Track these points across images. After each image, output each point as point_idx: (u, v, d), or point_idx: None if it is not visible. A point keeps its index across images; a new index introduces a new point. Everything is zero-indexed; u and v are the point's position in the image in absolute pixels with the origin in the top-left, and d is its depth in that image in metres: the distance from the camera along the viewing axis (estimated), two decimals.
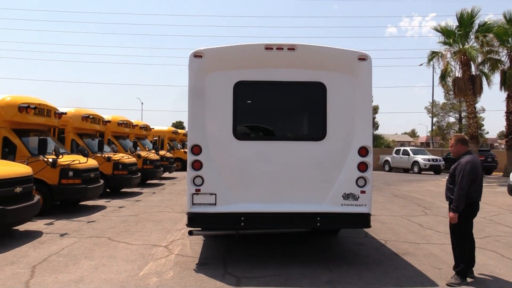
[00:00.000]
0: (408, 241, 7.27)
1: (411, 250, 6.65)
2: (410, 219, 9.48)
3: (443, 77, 22.98)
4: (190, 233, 5.68)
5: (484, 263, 5.92)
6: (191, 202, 5.60)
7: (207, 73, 5.71)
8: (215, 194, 5.62)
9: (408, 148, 29.02)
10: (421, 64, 55.83)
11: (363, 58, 5.74)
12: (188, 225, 5.60)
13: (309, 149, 5.73)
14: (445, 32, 23.19)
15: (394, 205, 11.88)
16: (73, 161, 9.23)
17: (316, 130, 5.86)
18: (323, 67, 5.77)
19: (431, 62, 23.63)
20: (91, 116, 12.58)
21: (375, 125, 43.99)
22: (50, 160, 8.96)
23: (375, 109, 43.62)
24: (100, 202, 11.42)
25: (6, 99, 9.09)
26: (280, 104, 6.00)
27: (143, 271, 5.36)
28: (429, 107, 36.16)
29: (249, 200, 5.65)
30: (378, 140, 42.03)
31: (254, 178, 5.68)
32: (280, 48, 5.68)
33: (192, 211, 5.60)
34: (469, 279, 5.12)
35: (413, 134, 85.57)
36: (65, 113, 11.16)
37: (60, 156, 9.05)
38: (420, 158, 26.33)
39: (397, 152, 28.47)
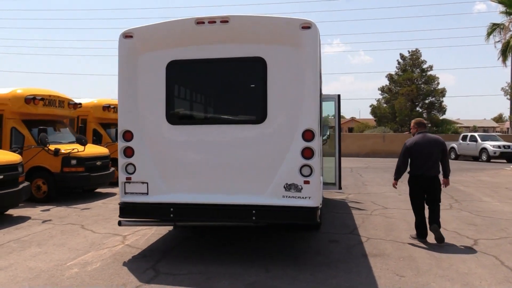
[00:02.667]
0: (396, 240, 6.22)
1: (390, 251, 5.65)
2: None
3: (504, 52, 19.81)
4: (119, 223, 5.38)
5: (470, 271, 4.79)
6: (123, 191, 5.30)
7: (139, 54, 5.31)
8: (147, 183, 5.25)
9: (476, 134, 25.74)
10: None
11: (307, 26, 4.88)
12: (120, 215, 5.31)
13: (248, 133, 5.07)
14: (506, 1, 19.84)
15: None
16: (73, 149, 9.50)
17: (255, 112, 5.16)
18: (261, 40, 5.02)
19: (491, 36, 20.46)
20: (112, 106, 12.80)
21: (442, 110, 39.79)
22: (52, 149, 9.33)
23: (442, 92, 39.42)
24: (116, 189, 11.75)
25: (14, 92, 9.65)
26: (215, 84, 5.39)
27: (74, 261, 5.20)
28: (507, 88, 31.63)
29: (182, 190, 5.18)
30: (444, 126, 38.11)
31: (188, 166, 5.19)
32: (212, 21, 5.06)
33: (123, 201, 5.30)
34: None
35: (500, 118, 76.39)
36: (80, 104, 11.52)
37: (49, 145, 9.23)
38: (489, 144, 23.20)
39: (464, 138, 25.44)
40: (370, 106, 43.80)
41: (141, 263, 5.13)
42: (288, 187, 4.89)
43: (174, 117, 5.28)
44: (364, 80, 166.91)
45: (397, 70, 42.08)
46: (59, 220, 7.69)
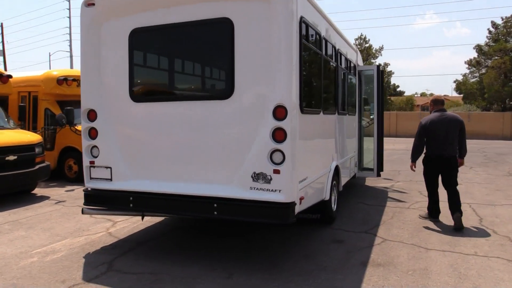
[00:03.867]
0: (419, 244, 4.92)
1: (401, 260, 4.43)
2: (477, 210, 6.59)
3: None
4: (82, 211, 4.93)
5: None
6: (89, 176, 4.83)
7: (102, 23, 4.71)
8: (111, 168, 4.70)
9: None
10: None
11: None
12: (84, 202, 4.86)
13: (214, 110, 4.20)
14: None
15: (487, 189, 8.59)
16: None
17: (220, 85, 4.27)
18: None
19: None
20: (71, 78, 9.72)
21: None
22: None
23: None
24: None
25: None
26: (179, 54, 4.55)
27: (42, 249, 4.92)
28: None
29: (144, 176, 4.54)
30: None
31: (151, 150, 4.52)
32: None
33: (87, 187, 4.84)
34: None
35: None
36: (10, 76, 9.02)
37: None
38: None
39: None
40: (455, 81, 38.86)
41: (103, 255, 4.65)
42: (256, 176, 3.96)
43: (137, 94, 4.62)
44: (462, 55, 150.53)
45: (487, 41, 36.42)
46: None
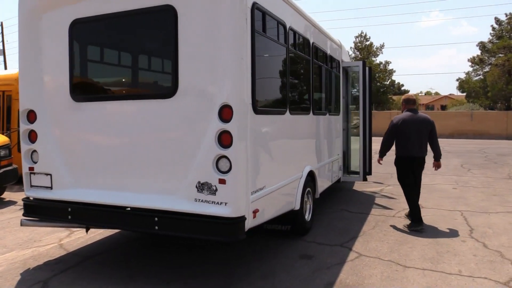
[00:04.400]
0: (398, 261, 4.39)
1: (374, 280, 3.91)
2: (469, 218, 6.04)
3: None
4: (21, 223, 4.45)
5: None
6: (29, 184, 4.36)
7: (41, 14, 4.23)
8: (51, 175, 4.23)
9: None
10: None
11: None
12: (24, 213, 4.38)
13: (156, 111, 3.71)
14: None
15: (483, 193, 8.01)
16: None
17: (164, 82, 3.78)
18: None
19: None
20: None
21: None
22: None
23: None
24: None
25: None
26: (122, 47, 4.05)
27: None
28: None
29: (85, 184, 4.07)
30: None
31: (93, 154, 4.04)
32: None
33: (27, 195, 4.37)
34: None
35: None
36: None
37: None
38: None
39: None
40: (457, 80, 38.01)
41: (43, 272, 4.18)
42: (201, 187, 3.46)
43: (77, 93, 4.13)
44: (469, 53, 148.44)
45: (491, 38, 35.46)
46: None
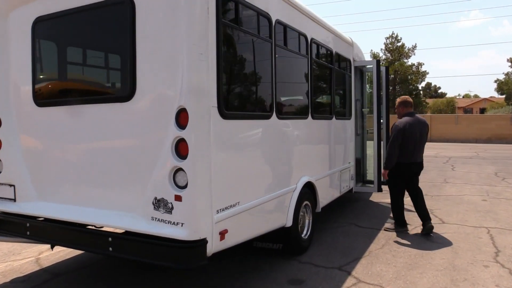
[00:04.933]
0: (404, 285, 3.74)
1: None
2: (496, 237, 5.22)
3: None
4: None
5: None
6: None
7: (9, 11, 3.94)
8: (14, 186, 3.90)
9: None
10: None
11: None
12: None
13: (114, 116, 3.28)
14: None
15: None
16: None
17: (121, 84, 3.33)
18: None
19: None
20: None
21: None
22: None
23: None
24: None
25: None
26: (83, 46, 3.65)
27: None
28: None
29: (47, 197, 3.70)
30: None
31: (55, 165, 3.66)
32: None
33: None
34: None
35: None
36: None
37: None
38: None
39: None
40: (496, 81, 35.75)
41: None
42: (158, 204, 2.99)
43: (39, 97, 3.78)
44: (508, 54, 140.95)
45: None
46: None
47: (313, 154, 5.10)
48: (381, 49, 39.45)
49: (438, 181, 9.98)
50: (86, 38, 3.53)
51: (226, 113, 3.14)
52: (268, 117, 3.90)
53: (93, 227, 3.47)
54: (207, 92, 2.93)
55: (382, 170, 5.55)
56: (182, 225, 2.85)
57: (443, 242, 5.11)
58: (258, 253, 4.70)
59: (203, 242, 2.89)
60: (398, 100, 5.60)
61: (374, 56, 39.14)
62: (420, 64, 38.52)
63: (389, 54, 38.89)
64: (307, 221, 4.92)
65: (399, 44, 38.00)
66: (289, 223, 4.31)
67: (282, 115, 4.18)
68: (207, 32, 2.94)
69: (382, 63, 37.93)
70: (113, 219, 3.22)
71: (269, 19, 3.91)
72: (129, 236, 3.09)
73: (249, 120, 3.57)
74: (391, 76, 38.29)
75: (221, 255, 3.57)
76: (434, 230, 5.56)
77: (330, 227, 5.85)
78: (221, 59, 3.06)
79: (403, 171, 5.40)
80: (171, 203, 2.90)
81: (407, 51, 37.92)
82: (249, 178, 3.54)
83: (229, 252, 3.92)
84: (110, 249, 3.15)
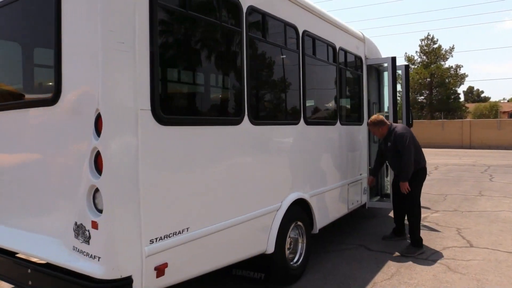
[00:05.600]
0: None
1: None
2: None
3: None
4: None
5: None
6: None
7: None
8: None
9: None
10: None
11: None
12: None
13: (38, 123, 2.75)
14: None
15: None
16: None
17: (46, 85, 2.79)
18: None
19: None
20: None
21: None
22: None
23: None
24: None
25: None
26: (12, 41, 3.15)
27: None
28: None
29: None
30: None
31: None
32: None
33: None
34: None
35: None
36: None
37: None
38: None
39: None
40: None
41: None
42: (77, 230, 2.40)
43: None
44: None
45: None
46: None
47: (308, 166, 4.37)
48: (416, 51, 37.72)
49: (472, 193, 8.86)
50: (18, 34, 3.04)
51: (164, 117, 2.51)
52: (236, 122, 3.22)
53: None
54: (133, 91, 2.32)
55: (401, 183, 4.89)
56: (98, 260, 2.24)
57: (468, 272, 4.20)
58: (241, 281, 4.02)
59: (126, 282, 2.26)
60: (370, 123, 5.12)
61: (409, 59, 37.41)
62: (458, 67, 36.38)
63: (424, 57, 37.04)
64: (299, 245, 4.19)
65: (435, 46, 36.10)
66: (270, 249, 3.61)
67: (258, 120, 3.49)
68: (133, 15, 2.33)
69: (415, 65, 36.15)
70: (38, 247, 2.66)
71: (236, 4, 3.24)
72: (48, 269, 2.52)
73: (204, 127, 2.91)
74: (427, 79, 36.41)
75: (200, 279, 2.94)
76: (458, 257, 4.66)
77: (334, 249, 5.07)
78: (156, 50, 2.45)
79: (422, 177, 5.08)
80: (88, 231, 2.31)
81: (444, 53, 35.92)
82: (205, 198, 2.87)
83: (207, 278, 3.29)
84: (30, 282, 2.59)
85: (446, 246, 5.11)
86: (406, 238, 5.43)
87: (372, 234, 5.74)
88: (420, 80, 35.87)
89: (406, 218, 5.26)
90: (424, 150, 5.38)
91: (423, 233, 5.64)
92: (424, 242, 5.15)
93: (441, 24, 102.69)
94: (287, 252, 3.91)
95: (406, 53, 51.48)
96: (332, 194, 4.90)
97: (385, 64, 6.25)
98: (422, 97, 37.85)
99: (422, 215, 6.84)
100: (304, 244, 4.23)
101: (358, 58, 5.87)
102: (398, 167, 4.96)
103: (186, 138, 2.72)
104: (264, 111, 3.77)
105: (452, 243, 5.27)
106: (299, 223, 4.13)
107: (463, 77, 36.31)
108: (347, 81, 5.58)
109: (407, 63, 6.25)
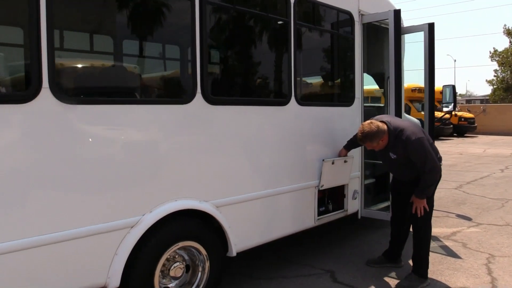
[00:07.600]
0: None
1: None
2: None
3: None
4: None
5: None
6: None
7: None
8: None
9: None
10: None
11: None
12: None
13: None
14: None
15: None
16: None
17: None
18: None
19: None
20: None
21: None
22: None
23: None
24: None
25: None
26: None
27: None
28: None
29: None
30: None
31: None
32: None
33: None
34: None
35: None
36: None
37: None
38: None
39: None
40: None
41: None
42: None
43: None
44: None
45: None
46: None
47: (219, 163, 3.06)
48: (503, 32, 32.14)
49: None
50: None
51: None
52: (27, 99, 2.09)
53: None
54: None
55: (416, 200, 3.40)
56: None
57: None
58: None
59: None
60: (361, 137, 3.40)
61: (508, 32, 31.81)
62: None
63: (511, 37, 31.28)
64: (199, 275, 2.96)
65: None
66: (114, 283, 2.46)
67: (90, 96, 2.32)
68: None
69: None
70: None
71: None
72: None
73: None
74: None
75: None
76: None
77: (286, 275, 3.69)
78: None
79: (435, 189, 3.57)
80: None
81: None
82: None
83: None
84: None
85: (457, 283, 3.42)
86: (401, 266, 3.85)
87: (354, 255, 4.17)
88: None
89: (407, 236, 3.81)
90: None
91: (434, 258, 3.98)
92: (433, 277, 3.54)
93: None
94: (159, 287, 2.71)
95: (505, 25, 43.87)
96: (272, 201, 3.49)
97: (386, 20, 4.50)
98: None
99: (452, 229, 5.05)
100: (206, 274, 2.98)
101: (346, 14, 4.26)
102: (412, 179, 3.49)
103: None
104: (96, 81, 2.57)
105: (467, 279, 3.54)
106: (191, 244, 2.89)
107: None
108: (316, 46, 4.04)
109: (431, 21, 4.37)
